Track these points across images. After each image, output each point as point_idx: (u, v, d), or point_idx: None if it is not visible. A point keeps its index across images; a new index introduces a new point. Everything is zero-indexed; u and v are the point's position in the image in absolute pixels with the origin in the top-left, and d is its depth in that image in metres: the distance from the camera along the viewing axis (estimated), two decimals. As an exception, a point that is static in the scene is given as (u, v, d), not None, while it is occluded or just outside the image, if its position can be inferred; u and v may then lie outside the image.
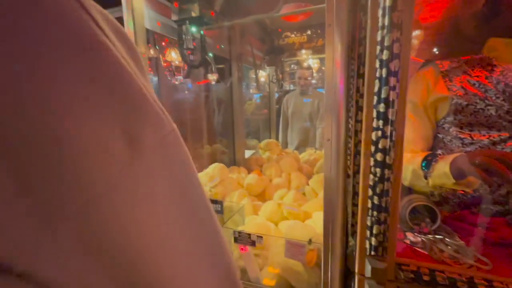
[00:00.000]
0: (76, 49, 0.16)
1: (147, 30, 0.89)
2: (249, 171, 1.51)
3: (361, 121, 0.59)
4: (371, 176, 0.55)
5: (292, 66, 2.75)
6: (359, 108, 0.60)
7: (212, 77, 1.44)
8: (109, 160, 0.16)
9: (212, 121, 1.64)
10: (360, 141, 0.60)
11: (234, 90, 1.54)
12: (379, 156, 0.53)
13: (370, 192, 0.56)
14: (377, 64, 0.52)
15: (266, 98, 2.84)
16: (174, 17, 0.91)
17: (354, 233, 0.66)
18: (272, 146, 1.95)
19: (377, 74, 0.52)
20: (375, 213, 0.56)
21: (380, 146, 0.53)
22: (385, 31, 0.50)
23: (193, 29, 0.93)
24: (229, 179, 1.17)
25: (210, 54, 1.19)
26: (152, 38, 1.12)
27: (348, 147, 0.64)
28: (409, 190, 0.90)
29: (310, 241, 0.73)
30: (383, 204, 0.55)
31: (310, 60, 2.30)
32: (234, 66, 1.52)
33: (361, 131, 0.59)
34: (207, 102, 1.62)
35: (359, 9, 0.58)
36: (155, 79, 1.31)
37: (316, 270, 0.73)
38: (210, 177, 1.07)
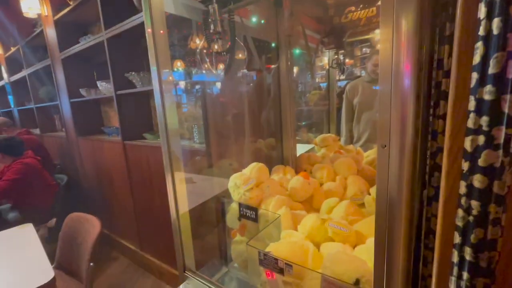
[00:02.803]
0: None
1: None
2: (298, 171, 1.33)
3: (444, 117, 0.36)
4: (460, 212, 0.32)
5: (364, 49, 2.40)
6: (441, 95, 0.36)
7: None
8: None
9: (259, 115, 1.51)
10: (440, 150, 0.37)
11: (282, 79, 1.36)
12: (478, 180, 0.30)
13: (457, 239, 0.33)
14: (481, 13, 0.28)
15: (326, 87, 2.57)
16: (202, -3, 0.80)
17: (426, 289, 0.43)
18: (329, 142, 1.70)
19: (481, 32, 0.28)
20: (465, 274, 0.32)
21: (481, 163, 0.29)
22: None
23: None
24: (269, 181, 1.03)
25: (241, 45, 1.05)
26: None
27: (420, 157, 0.41)
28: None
29: (357, 283, 0.52)
30: (483, 264, 0.31)
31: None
32: (282, 52, 1.34)
33: (443, 133, 0.36)
34: (254, 94, 1.50)
35: None
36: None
37: (364, 324, 0.53)
38: (244, 179, 0.94)
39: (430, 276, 0.40)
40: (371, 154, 1.57)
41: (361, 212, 0.89)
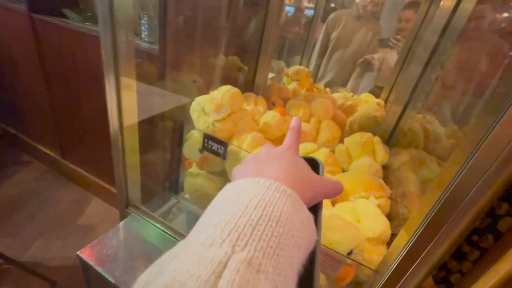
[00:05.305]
0: None
1: None
2: (268, 103, 1.17)
3: None
4: None
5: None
6: None
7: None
8: None
9: (235, 28, 1.19)
10: None
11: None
12: None
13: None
14: None
15: (301, 11, 2.24)
16: None
17: (444, 280, 0.39)
18: (302, 77, 1.54)
19: None
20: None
21: None
22: None
23: None
24: (242, 112, 0.85)
25: None
26: None
27: None
28: None
29: (350, 253, 0.46)
30: None
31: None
32: None
33: None
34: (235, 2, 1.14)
35: None
36: None
37: (343, 289, 0.49)
38: (216, 105, 0.74)
39: (460, 271, 0.34)
40: (339, 99, 1.48)
41: (338, 164, 0.83)
